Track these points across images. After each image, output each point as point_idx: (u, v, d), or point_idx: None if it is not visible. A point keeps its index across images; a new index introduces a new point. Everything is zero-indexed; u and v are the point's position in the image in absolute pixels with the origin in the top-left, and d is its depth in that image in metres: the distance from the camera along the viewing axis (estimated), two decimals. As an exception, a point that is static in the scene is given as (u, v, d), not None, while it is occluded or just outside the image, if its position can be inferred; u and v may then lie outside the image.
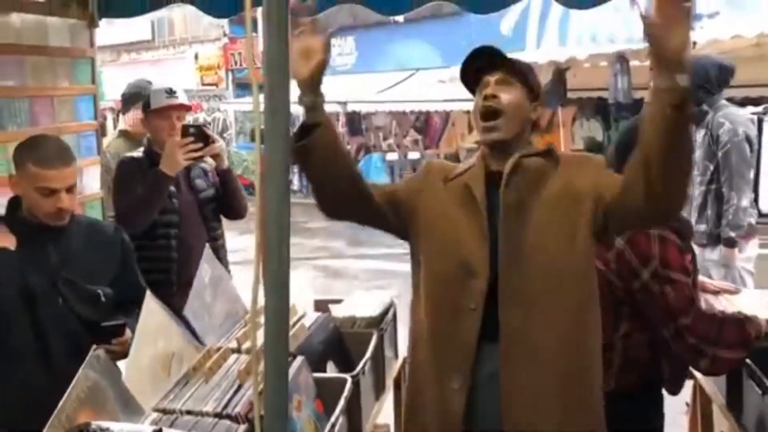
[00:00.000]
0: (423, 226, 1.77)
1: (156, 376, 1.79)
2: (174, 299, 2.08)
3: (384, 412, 2.69)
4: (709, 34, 7.56)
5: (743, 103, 5.11)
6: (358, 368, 2.07)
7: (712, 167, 3.61)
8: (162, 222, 2.62)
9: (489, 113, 1.72)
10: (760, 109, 4.48)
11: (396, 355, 2.63)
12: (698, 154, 3.59)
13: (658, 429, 2.18)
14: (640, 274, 1.95)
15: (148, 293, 1.86)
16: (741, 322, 1.99)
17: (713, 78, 3.55)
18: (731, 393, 2.22)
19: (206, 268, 2.03)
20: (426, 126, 12.27)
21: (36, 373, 1.89)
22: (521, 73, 1.77)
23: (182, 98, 2.80)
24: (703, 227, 3.67)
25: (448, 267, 1.71)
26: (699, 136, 3.61)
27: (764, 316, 2.06)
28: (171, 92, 2.77)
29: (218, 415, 1.68)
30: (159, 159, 2.62)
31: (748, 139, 3.57)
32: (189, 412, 1.70)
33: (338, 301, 2.57)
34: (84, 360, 1.48)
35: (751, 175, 3.65)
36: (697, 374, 2.46)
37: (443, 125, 12.07)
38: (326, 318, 2.37)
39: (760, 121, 4.14)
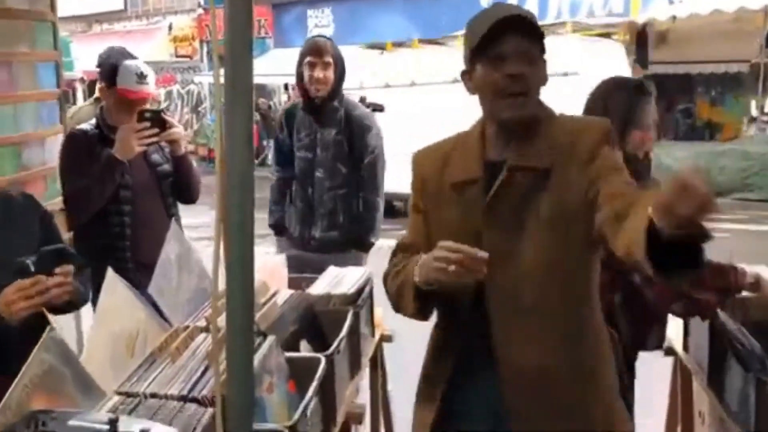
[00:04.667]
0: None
1: (119, 357, 1.70)
2: (129, 278, 1.97)
3: (361, 392, 2.64)
4: (688, 9, 7.53)
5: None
6: (333, 347, 1.99)
7: None
8: (115, 199, 2.50)
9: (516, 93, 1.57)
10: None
11: (372, 334, 2.56)
12: None
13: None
14: None
15: (110, 270, 1.77)
16: (724, 267, 1.97)
17: None
18: (713, 370, 2.18)
19: (173, 244, 1.93)
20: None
21: None
22: (541, 37, 1.59)
23: (151, 83, 2.65)
24: None
25: None
26: None
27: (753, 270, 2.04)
28: (142, 77, 2.59)
29: (184, 398, 1.60)
30: (111, 134, 2.49)
31: None
32: (153, 396, 1.62)
33: (313, 279, 2.49)
34: (30, 341, 1.38)
35: None
36: (679, 350, 2.44)
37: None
38: (300, 296, 2.29)
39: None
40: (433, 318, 1.73)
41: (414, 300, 1.56)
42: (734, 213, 7.86)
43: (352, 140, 3.21)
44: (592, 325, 1.67)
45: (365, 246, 3.30)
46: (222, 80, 1.02)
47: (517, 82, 1.55)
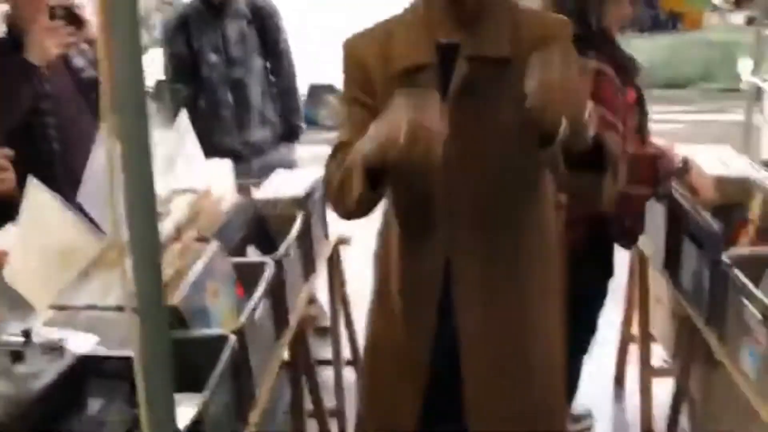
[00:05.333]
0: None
1: (50, 271, 1.61)
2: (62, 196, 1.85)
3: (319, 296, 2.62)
4: None
5: None
6: (281, 250, 1.93)
7: None
8: (35, 111, 2.30)
9: None
10: None
11: (326, 236, 2.50)
12: None
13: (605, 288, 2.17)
14: None
15: (32, 179, 1.65)
16: (652, 157, 1.92)
17: None
18: (669, 252, 2.18)
19: (101, 152, 1.80)
20: None
21: None
22: None
23: None
24: None
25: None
26: None
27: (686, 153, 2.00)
28: None
29: (122, 309, 1.53)
30: (22, 38, 2.26)
31: None
32: (90, 307, 1.55)
33: (259, 183, 2.40)
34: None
35: None
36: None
37: None
38: (246, 201, 2.21)
39: None
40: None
41: (361, 183, 1.34)
42: (697, 103, 7.85)
43: (264, 28, 3.02)
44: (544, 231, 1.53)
45: (297, 135, 3.19)
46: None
47: None
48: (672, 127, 5.80)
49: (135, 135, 0.94)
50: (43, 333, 1.07)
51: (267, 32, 3.03)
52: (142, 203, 0.96)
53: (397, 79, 1.42)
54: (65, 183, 2.09)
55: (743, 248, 1.92)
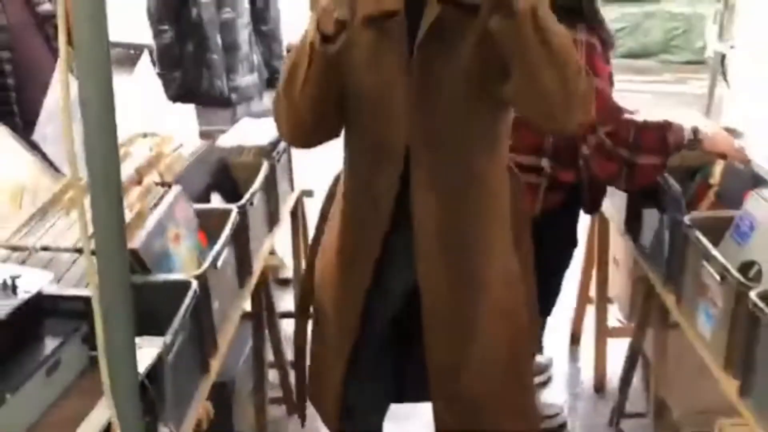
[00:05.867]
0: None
1: (5, 210, 1.55)
2: (18, 133, 1.77)
3: (280, 245, 2.58)
4: None
5: None
6: (245, 198, 1.89)
7: None
8: None
9: None
10: None
11: (292, 188, 2.46)
12: None
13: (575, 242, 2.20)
14: None
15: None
16: (662, 127, 1.93)
17: None
18: (630, 214, 2.20)
19: (58, 89, 1.73)
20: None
21: None
22: None
23: None
24: None
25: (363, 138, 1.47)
26: None
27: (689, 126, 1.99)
28: None
29: (79, 251, 1.49)
30: None
31: None
32: (45, 249, 1.51)
33: (224, 131, 2.34)
34: None
35: None
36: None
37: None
38: (209, 147, 2.15)
39: None
40: None
41: (313, 34, 1.29)
42: (659, 75, 7.92)
43: None
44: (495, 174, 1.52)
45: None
46: None
47: None
48: (635, 96, 5.85)
49: (94, 72, 0.89)
50: (-4, 270, 1.02)
51: None
52: (103, 143, 0.92)
53: (362, 24, 1.38)
54: (21, 117, 2.01)
55: (705, 211, 1.95)
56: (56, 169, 1.70)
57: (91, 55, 0.87)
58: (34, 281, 1.02)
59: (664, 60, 8.65)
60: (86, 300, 1.01)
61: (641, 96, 6.09)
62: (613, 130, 1.89)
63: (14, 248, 1.48)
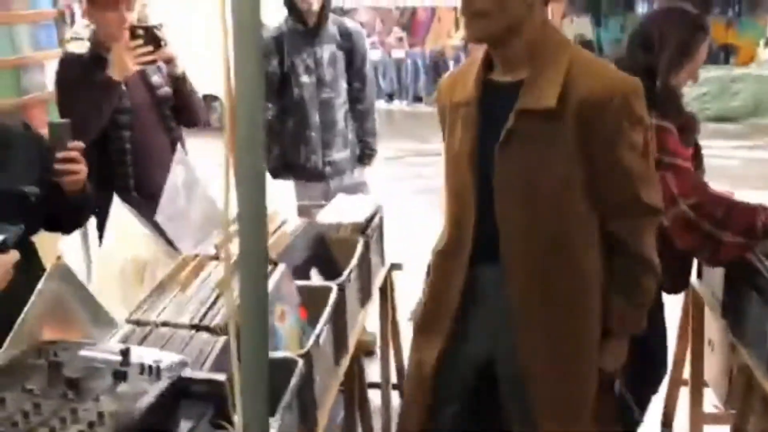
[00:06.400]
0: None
1: (128, 286, 1.67)
2: (133, 207, 1.91)
3: (370, 321, 2.64)
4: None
5: None
6: (344, 275, 1.97)
7: None
8: (113, 124, 2.40)
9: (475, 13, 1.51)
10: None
11: (383, 262, 2.54)
12: None
13: (661, 334, 2.16)
14: None
15: (116, 198, 1.72)
16: (752, 208, 1.92)
17: None
18: (728, 299, 2.16)
19: (179, 169, 1.87)
20: (411, 22, 11.81)
21: None
22: None
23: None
24: None
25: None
26: None
27: None
28: None
29: (195, 327, 1.58)
30: (105, 55, 2.37)
31: None
32: (164, 324, 1.60)
33: (321, 206, 2.44)
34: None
35: None
36: (692, 278, 2.41)
37: (429, 21, 11.62)
38: (309, 224, 2.25)
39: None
40: None
41: None
42: (747, 139, 7.75)
43: (353, 52, 3.12)
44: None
45: (371, 158, 3.27)
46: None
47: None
48: (723, 162, 5.72)
49: (249, 150, 0.94)
50: (137, 352, 1.11)
51: (354, 56, 3.13)
52: (253, 220, 0.96)
53: (453, 110, 1.66)
54: (140, 196, 2.18)
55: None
56: (174, 248, 1.82)
57: (249, 165, 0.94)
58: (170, 364, 1.10)
59: (753, 124, 8.46)
60: (217, 383, 1.08)
61: (731, 163, 5.96)
62: (697, 202, 1.90)
63: (137, 323, 1.59)
